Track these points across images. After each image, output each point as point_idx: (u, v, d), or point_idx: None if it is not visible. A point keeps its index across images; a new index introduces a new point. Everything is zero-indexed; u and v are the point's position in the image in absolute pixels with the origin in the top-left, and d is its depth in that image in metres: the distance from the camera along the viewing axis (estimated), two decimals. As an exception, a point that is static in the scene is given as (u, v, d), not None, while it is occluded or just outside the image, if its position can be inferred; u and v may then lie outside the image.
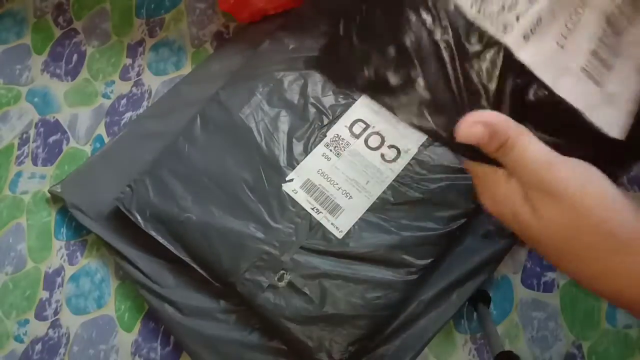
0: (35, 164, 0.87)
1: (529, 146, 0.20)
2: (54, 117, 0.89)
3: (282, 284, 0.65)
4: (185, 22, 0.93)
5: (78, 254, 0.81)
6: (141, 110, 0.88)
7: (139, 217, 0.69)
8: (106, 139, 0.87)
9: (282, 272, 0.65)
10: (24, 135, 0.89)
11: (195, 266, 0.68)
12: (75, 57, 0.93)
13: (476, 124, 0.21)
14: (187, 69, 0.89)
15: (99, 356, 0.76)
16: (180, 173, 0.71)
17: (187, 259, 0.68)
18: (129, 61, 0.91)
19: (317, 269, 0.65)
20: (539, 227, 0.20)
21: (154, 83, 0.89)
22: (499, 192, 0.22)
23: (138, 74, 0.90)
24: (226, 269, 0.66)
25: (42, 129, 0.89)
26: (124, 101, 0.89)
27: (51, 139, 0.88)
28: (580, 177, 0.19)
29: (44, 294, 0.80)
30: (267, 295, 0.64)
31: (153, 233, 0.69)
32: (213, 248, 0.66)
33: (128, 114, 0.88)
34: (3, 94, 0.91)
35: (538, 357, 0.76)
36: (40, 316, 0.79)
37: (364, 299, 0.63)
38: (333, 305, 0.63)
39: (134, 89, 0.89)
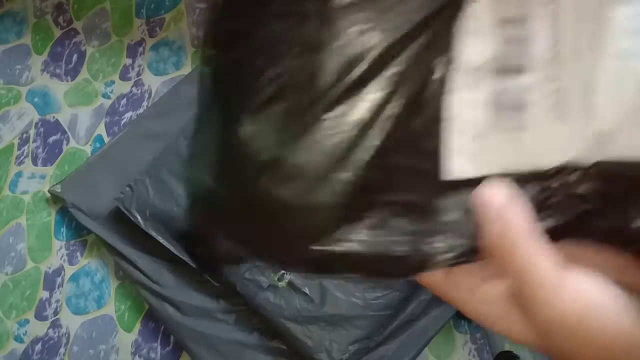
0: (35, 164, 0.87)
1: (539, 259, 0.16)
2: (54, 117, 0.89)
3: (282, 283, 0.65)
4: (185, 22, 0.93)
5: (78, 254, 0.81)
6: (141, 110, 0.88)
7: (139, 217, 0.69)
8: (106, 139, 0.87)
9: (282, 271, 0.65)
10: (24, 135, 0.89)
11: (195, 266, 0.68)
12: (75, 57, 0.93)
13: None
14: (187, 69, 0.89)
15: (99, 356, 0.76)
16: (180, 173, 0.71)
17: (186, 259, 0.68)
18: (129, 61, 0.91)
19: (317, 269, 0.65)
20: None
21: (154, 83, 0.89)
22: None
23: (138, 74, 0.90)
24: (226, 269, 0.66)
25: (42, 129, 0.89)
26: (124, 101, 0.89)
27: (51, 139, 0.88)
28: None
29: (44, 294, 0.80)
30: (267, 294, 0.64)
31: (153, 233, 0.69)
32: (213, 248, 0.66)
33: (128, 114, 0.88)
34: (3, 94, 0.91)
35: (538, 357, 0.76)
36: (40, 316, 0.79)
37: (364, 299, 0.63)
38: (333, 305, 0.63)
39: (134, 89, 0.89)
